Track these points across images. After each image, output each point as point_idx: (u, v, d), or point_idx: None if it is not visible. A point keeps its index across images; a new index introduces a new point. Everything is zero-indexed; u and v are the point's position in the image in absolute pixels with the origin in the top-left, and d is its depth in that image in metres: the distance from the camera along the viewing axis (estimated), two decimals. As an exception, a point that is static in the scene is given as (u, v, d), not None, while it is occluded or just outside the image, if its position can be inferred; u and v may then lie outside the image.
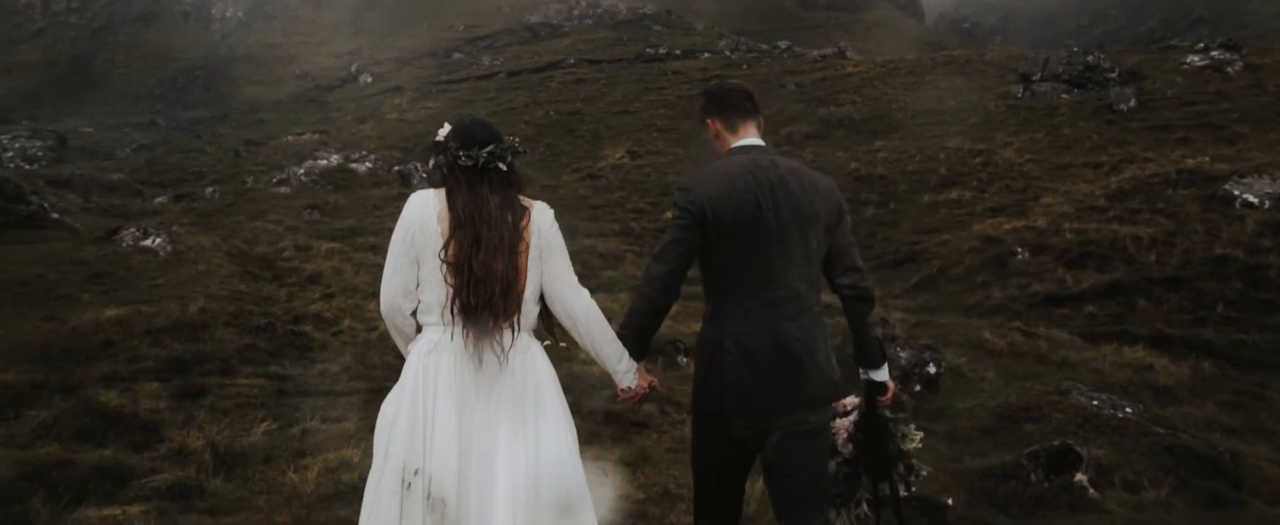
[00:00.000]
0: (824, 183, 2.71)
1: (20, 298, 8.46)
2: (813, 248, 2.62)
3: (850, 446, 2.94)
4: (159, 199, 25.21)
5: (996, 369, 8.08)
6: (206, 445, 3.68)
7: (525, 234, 2.44)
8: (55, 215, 12.89)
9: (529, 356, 2.44)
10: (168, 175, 29.66)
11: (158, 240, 9.95)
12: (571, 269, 2.51)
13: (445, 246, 2.38)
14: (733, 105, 2.76)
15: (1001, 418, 6.39)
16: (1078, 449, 4.91)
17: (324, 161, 24.31)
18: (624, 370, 2.60)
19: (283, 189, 23.36)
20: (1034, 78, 27.10)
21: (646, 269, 2.63)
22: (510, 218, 2.42)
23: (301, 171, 23.58)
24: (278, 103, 43.88)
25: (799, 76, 35.95)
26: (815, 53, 42.41)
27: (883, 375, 2.80)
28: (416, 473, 2.28)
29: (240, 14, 57.79)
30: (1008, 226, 15.84)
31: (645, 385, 2.65)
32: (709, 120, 2.79)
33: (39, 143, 31.11)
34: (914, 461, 3.03)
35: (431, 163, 2.54)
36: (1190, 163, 17.05)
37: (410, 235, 2.41)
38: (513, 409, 2.38)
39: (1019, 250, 14.71)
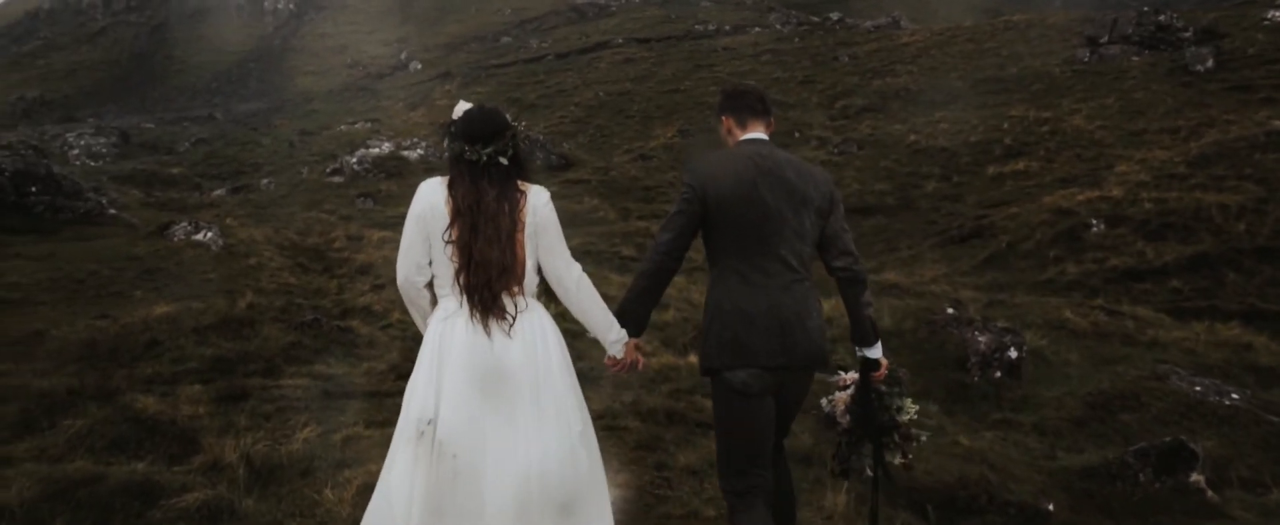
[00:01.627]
0: (819, 173, 2.99)
1: (75, 295, 8.42)
2: (806, 228, 2.87)
3: (847, 417, 3.16)
4: (217, 191, 25.55)
5: (1081, 351, 7.55)
6: (241, 458, 3.44)
7: (521, 217, 2.66)
8: (112, 211, 12.95)
9: (534, 317, 2.67)
10: (225, 168, 30.07)
11: (209, 234, 9.87)
12: (564, 244, 2.73)
13: (449, 228, 2.63)
14: (746, 106, 3.03)
15: (1094, 407, 5.91)
16: (1191, 445, 4.44)
17: (376, 150, 24.33)
18: (613, 340, 2.82)
19: (336, 178, 23.45)
20: (1101, 40, 25.90)
21: (653, 238, 2.94)
22: (507, 207, 2.65)
23: (354, 160, 23.63)
24: (330, 92, 44.27)
25: (852, 48, 35.02)
26: (869, 23, 41.29)
27: (876, 353, 3.05)
28: (429, 423, 2.50)
29: (291, 6, 58.42)
30: (1080, 197, 15.08)
31: (631, 359, 2.86)
32: (723, 117, 3.07)
33: (103, 140, 31.78)
34: (911, 431, 3.19)
35: (443, 154, 2.79)
36: (1277, 124, 16.03)
37: (421, 217, 2.67)
38: (524, 370, 2.59)
39: (1094, 222, 13.99)
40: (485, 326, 2.59)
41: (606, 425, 4.48)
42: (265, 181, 25.64)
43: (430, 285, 2.71)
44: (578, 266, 2.75)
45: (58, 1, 60.28)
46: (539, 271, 2.72)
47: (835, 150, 21.96)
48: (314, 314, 6.47)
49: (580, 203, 19.08)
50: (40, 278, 8.59)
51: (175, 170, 28.07)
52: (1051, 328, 8.43)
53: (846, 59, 33.32)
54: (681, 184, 2.93)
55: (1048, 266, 13.21)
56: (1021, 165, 18.12)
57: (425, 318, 2.75)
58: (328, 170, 24.72)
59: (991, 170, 18.17)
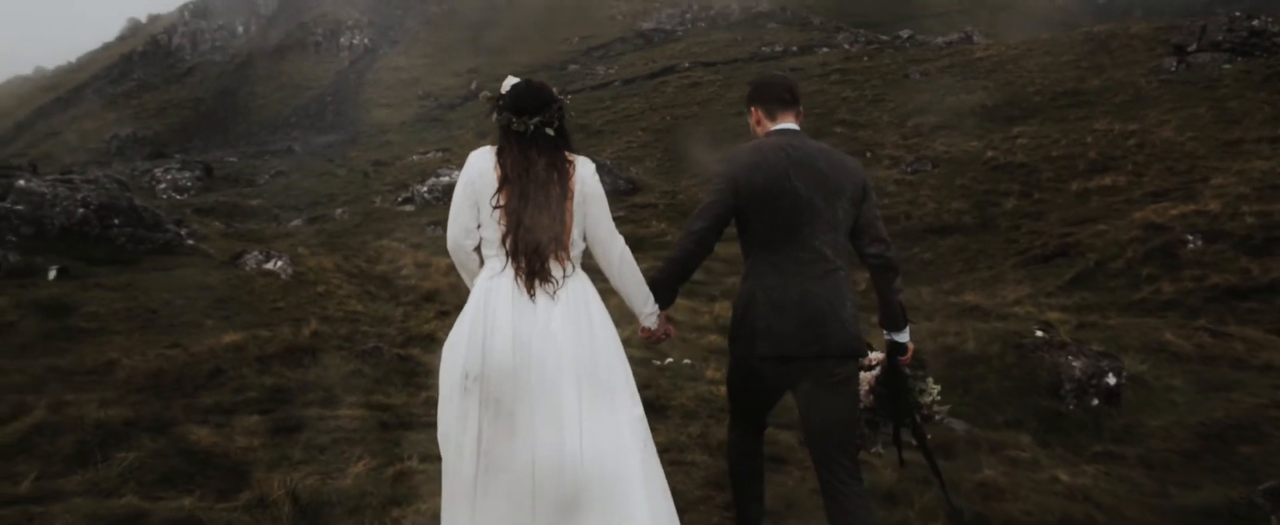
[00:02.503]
0: (850, 162, 2.99)
1: (148, 325, 8.53)
2: (838, 217, 2.88)
3: (871, 397, 3.21)
4: (294, 222, 26.17)
5: (1186, 377, 6.99)
6: (287, 495, 3.28)
7: (571, 186, 2.71)
8: (190, 241, 13.25)
9: (578, 285, 2.71)
10: (302, 199, 30.86)
11: (279, 262, 9.96)
12: (609, 216, 2.79)
13: (498, 192, 2.68)
14: (774, 96, 3.06)
15: (1208, 438, 5.40)
16: (1330, 484, 3.95)
17: (446, 178, 24.62)
18: (648, 313, 2.91)
19: (407, 207, 23.79)
20: (1190, 48, 24.77)
21: (686, 226, 2.96)
22: (557, 177, 2.69)
23: (424, 189, 23.96)
24: (403, 123, 45.24)
25: (924, 65, 34.29)
26: (940, 40, 40.46)
27: (903, 337, 3.09)
28: (475, 378, 2.56)
29: (366, 41, 60.14)
30: (1174, 212, 14.26)
31: (664, 330, 2.97)
32: (752, 108, 3.09)
33: (188, 174, 32.94)
34: (931, 411, 3.27)
35: (492, 117, 2.82)
36: (1390, 130, 14.97)
37: (470, 183, 2.76)
38: (567, 340, 2.61)
39: (1190, 238, 13.19)
40: (530, 290, 2.65)
41: (672, 459, 4.22)
42: (339, 211, 26.17)
43: (478, 249, 2.78)
44: (621, 239, 2.82)
45: (150, 44, 63.27)
46: (583, 240, 2.77)
47: (908, 169, 21.37)
48: (375, 342, 6.37)
49: (647, 227, 18.90)
50: (117, 307, 8.74)
51: (255, 202, 28.90)
52: (1151, 351, 7.86)
53: (918, 76, 32.62)
54: (714, 175, 2.98)
55: (1141, 286, 12.49)
56: (1108, 180, 17.30)
57: (473, 277, 2.82)
58: (399, 199, 25.11)
59: (1076, 186, 17.39)
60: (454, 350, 2.64)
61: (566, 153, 2.75)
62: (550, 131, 2.72)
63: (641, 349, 7.54)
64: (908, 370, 3.17)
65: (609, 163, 24.88)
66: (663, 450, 4.57)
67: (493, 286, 2.67)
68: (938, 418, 3.33)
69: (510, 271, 2.66)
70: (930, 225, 17.62)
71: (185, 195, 30.97)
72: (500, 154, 2.72)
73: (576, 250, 2.73)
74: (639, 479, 2.56)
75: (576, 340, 2.61)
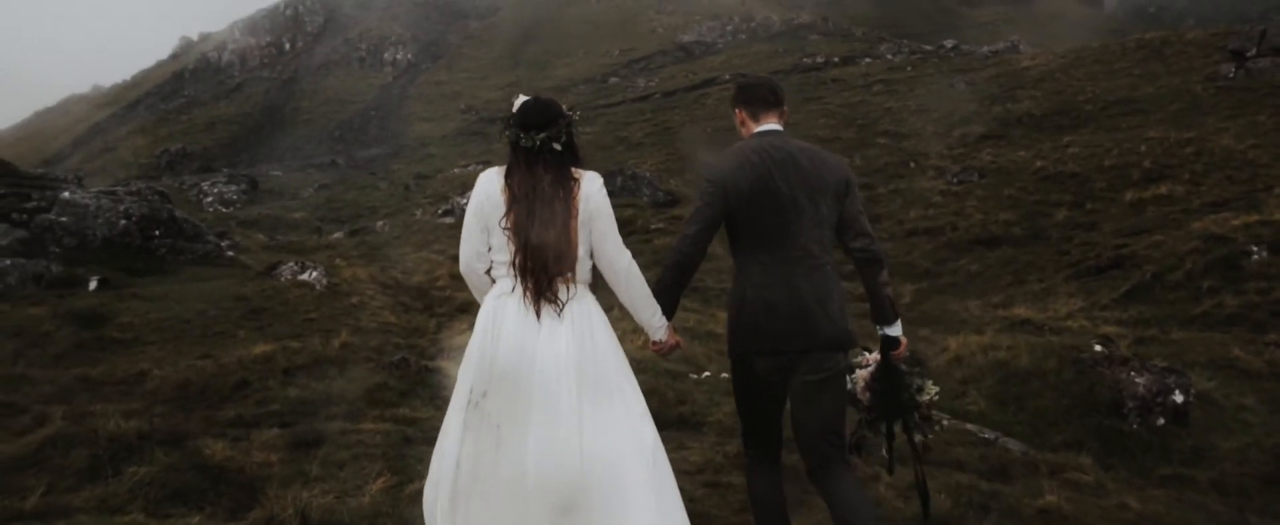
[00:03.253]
0: (832, 159, 3.05)
1: (182, 335, 8.49)
2: (823, 214, 2.96)
3: (868, 394, 3.19)
4: (336, 234, 26.37)
5: (1259, 395, 6.56)
6: (296, 515, 3.09)
7: (575, 204, 2.73)
8: (230, 252, 13.31)
9: (584, 304, 2.75)
10: (345, 211, 31.14)
11: (314, 273, 9.92)
12: (616, 231, 2.81)
13: (506, 215, 2.73)
14: (758, 97, 3.11)
15: (1287, 462, 5.01)
16: None
17: (485, 190, 24.62)
18: (657, 326, 2.94)
19: (447, 219, 23.83)
20: (1248, 54, 23.95)
21: (680, 232, 3.00)
22: (562, 194, 2.73)
23: (464, 201, 23.96)
24: (444, 137, 45.57)
25: (969, 75, 33.66)
26: (985, 49, 39.74)
27: (896, 331, 3.10)
28: (484, 394, 2.62)
29: (409, 56, 60.86)
30: (1235, 222, 13.65)
31: (673, 341, 2.99)
32: (737, 109, 3.14)
33: (234, 187, 33.49)
34: (932, 412, 3.20)
35: (502, 133, 2.86)
36: None
37: (480, 208, 2.80)
38: (570, 355, 2.65)
39: (1254, 249, 12.60)
40: (536, 309, 2.69)
41: (707, 481, 3.97)
42: (380, 223, 26.30)
43: (490, 271, 2.83)
44: (628, 254, 2.83)
45: (201, 61, 64.68)
46: (590, 257, 2.80)
47: (954, 179, 20.88)
48: (403, 354, 6.21)
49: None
50: (152, 318, 8.74)
51: (298, 214, 29.23)
52: (1218, 368, 7.42)
53: (963, 86, 32.01)
54: (703, 180, 3.01)
55: (1202, 299, 11.94)
56: (1164, 189, 16.68)
57: (484, 296, 2.85)
58: (439, 212, 25.18)
59: (1130, 196, 16.79)
60: (466, 365, 2.71)
61: (573, 168, 2.78)
62: (557, 147, 2.76)
63: (677, 363, 7.29)
64: (903, 367, 3.17)
65: (648, 175, 24.68)
66: (697, 470, 4.33)
67: (499, 305, 2.72)
68: (942, 421, 3.27)
69: (518, 290, 2.71)
70: (977, 236, 17.13)
71: (231, 208, 31.45)
72: (508, 174, 2.77)
73: (583, 268, 2.77)
74: (645, 483, 2.58)
75: (579, 352, 2.65)
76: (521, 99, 2.88)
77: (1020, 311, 12.75)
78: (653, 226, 19.75)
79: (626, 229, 17.17)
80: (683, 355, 7.63)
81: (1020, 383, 6.13)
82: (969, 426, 5.53)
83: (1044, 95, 28.32)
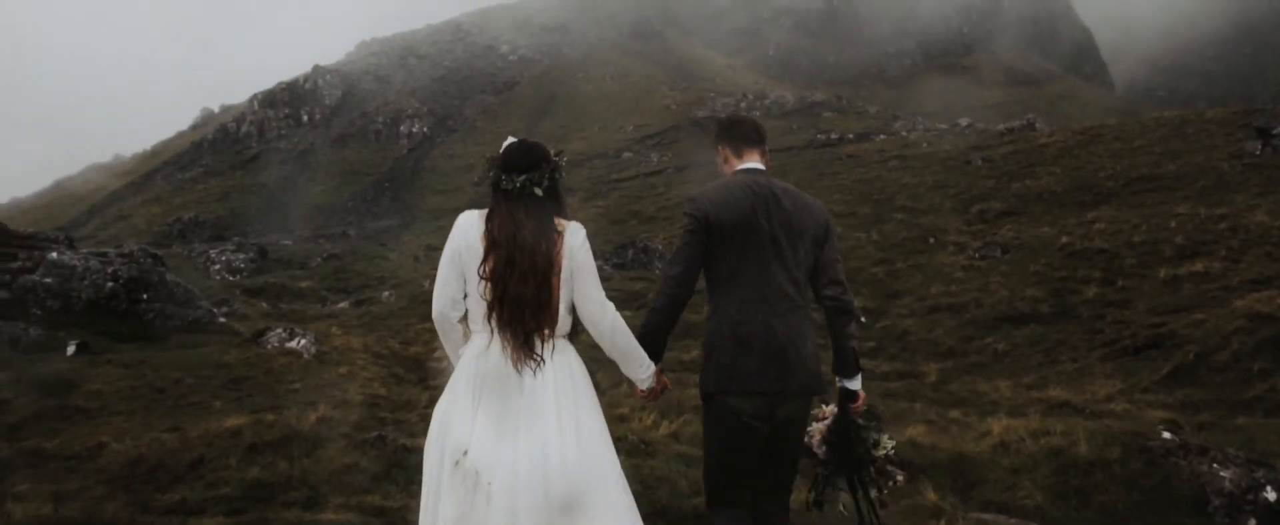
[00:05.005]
0: (814, 203, 3.04)
1: (152, 405, 7.85)
2: (800, 256, 2.95)
3: (824, 448, 3.14)
4: (341, 304, 25.88)
5: (1350, 491, 5.77)
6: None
7: (557, 258, 2.65)
8: (222, 319, 12.73)
9: (565, 357, 2.68)
10: (352, 281, 30.68)
11: (303, 341, 9.31)
12: (599, 286, 2.72)
13: (484, 263, 2.63)
14: (741, 135, 3.09)
15: None
16: None
17: (494, 261, 24.15)
18: (644, 378, 2.86)
19: (454, 290, 23.30)
20: (1274, 131, 23.53)
21: (662, 272, 3.15)
22: (543, 245, 2.63)
23: (472, 271, 23.48)
24: (458, 209, 45.06)
25: (986, 151, 33.35)
26: (1000, 126, 39.58)
27: (855, 384, 3.06)
28: (465, 453, 2.57)
29: (425, 129, 61.42)
30: (1281, 301, 12.92)
31: (660, 386, 2.92)
32: (720, 146, 3.13)
33: (242, 256, 33.22)
34: (888, 467, 3.15)
35: (485, 175, 2.80)
36: None
37: (457, 253, 2.71)
38: (551, 404, 2.59)
39: (1305, 329, 11.83)
40: (516, 364, 2.62)
41: None
42: (386, 294, 25.79)
43: (465, 319, 2.74)
44: (611, 307, 2.75)
45: (219, 132, 65.46)
46: (572, 311, 2.71)
47: (976, 254, 20.27)
48: (380, 431, 5.55)
49: (699, 312, 17.99)
50: (123, 386, 8.11)
51: (304, 284, 28.78)
52: (1294, 459, 6.63)
53: (980, 161, 31.68)
54: (685, 216, 2.98)
55: (1253, 381, 11.13)
56: (1200, 266, 15.99)
57: (458, 349, 2.78)
58: (447, 282, 24.66)
59: (1164, 272, 16.10)
60: (445, 429, 2.61)
61: (557, 218, 2.69)
62: (538, 192, 2.67)
63: (690, 444, 6.58)
64: (860, 420, 3.13)
65: (661, 247, 24.20)
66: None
67: (480, 365, 2.63)
68: (897, 476, 3.22)
69: (497, 346, 2.61)
70: (1003, 314, 16.41)
71: (238, 276, 31.08)
72: (489, 218, 2.69)
73: (563, 324, 2.68)
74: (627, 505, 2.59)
75: (558, 410, 2.57)
76: (510, 140, 2.82)
77: (1056, 392, 11.97)
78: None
79: (638, 302, 16.55)
80: (695, 434, 6.95)
81: (1081, 474, 5.39)
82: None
83: (1063, 171, 27.89)
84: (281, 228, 46.72)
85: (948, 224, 24.66)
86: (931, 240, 23.03)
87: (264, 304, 23.97)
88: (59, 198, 68.62)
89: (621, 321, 2.75)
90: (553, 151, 2.79)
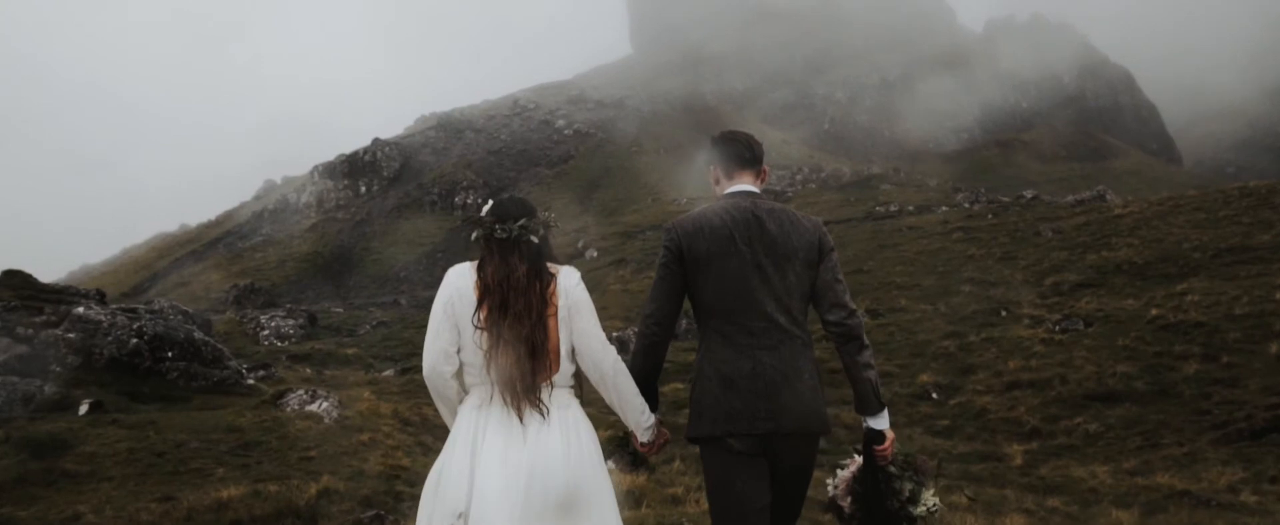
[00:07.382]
0: (806, 222, 2.84)
1: (149, 471, 7.05)
2: (791, 282, 2.76)
3: (849, 499, 2.82)
4: (386, 372, 25.26)
5: None
6: None
7: (552, 299, 2.65)
8: (250, 381, 12.02)
9: (569, 413, 2.61)
10: (399, 349, 30.15)
11: (324, 404, 8.51)
12: (599, 326, 2.70)
13: (477, 310, 2.61)
14: (733, 154, 2.91)
15: None
16: None
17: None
18: (646, 426, 2.79)
19: (500, 358, 22.54)
20: (1378, 201, 21.85)
21: (641, 312, 2.85)
22: (537, 286, 2.63)
23: (518, 339, 22.73)
24: (508, 278, 45.07)
25: (1056, 223, 31.90)
26: (1071, 198, 38.09)
27: (881, 423, 2.79)
28: (460, 516, 2.46)
29: (480, 200, 61.74)
30: None
31: (663, 439, 2.82)
32: (711, 167, 2.98)
33: (292, 322, 33.03)
34: None
35: (472, 236, 2.79)
36: None
37: (449, 304, 2.68)
38: (560, 469, 2.48)
39: None
40: (520, 415, 2.54)
41: None
42: (432, 362, 25.16)
43: (459, 375, 2.66)
44: (613, 350, 2.69)
45: (280, 202, 66.70)
46: (573, 358, 2.68)
47: (1057, 327, 18.85)
48: (377, 510, 4.64)
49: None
50: (120, 449, 7.33)
51: (350, 351, 28.30)
52: None
53: (1051, 233, 30.25)
54: (660, 247, 2.86)
55: (1403, 472, 9.67)
56: (1315, 342, 14.47)
57: (452, 410, 2.70)
58: (493, 350, 23.95)
59: (1275, 348, 14.58)
60: (440, 485, 2.50)
61: (549, 264, 2.70)
62: (534, 239, 2.67)
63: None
64: (892, 468, 2.77)
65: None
66: None
67: (479, 418, 2.56)
68: None
69: (497, 399, 2.56)
70: (1092, 392, 15.00)
71: (286, 342, 30.79)
72: (480, 267, 2.67)
73: (565, 371, 2.64)
74: None
75: (566, 463, 2.46)
76: (496, 198, 2.79)
77: (1164, 479, 10.57)
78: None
79: (688, 374, 15.52)
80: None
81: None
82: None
83: (1142, 243, 26.36)
84: (334, 296, 46.83)
85: (1020, 297, 23.25)
86: (1004, 313, 21.65)
87: (308, 369, 23.44)
88: (125, 264, 70.23)
89: (623, 365, 2.68)
90: (541, 211, 2.78)
